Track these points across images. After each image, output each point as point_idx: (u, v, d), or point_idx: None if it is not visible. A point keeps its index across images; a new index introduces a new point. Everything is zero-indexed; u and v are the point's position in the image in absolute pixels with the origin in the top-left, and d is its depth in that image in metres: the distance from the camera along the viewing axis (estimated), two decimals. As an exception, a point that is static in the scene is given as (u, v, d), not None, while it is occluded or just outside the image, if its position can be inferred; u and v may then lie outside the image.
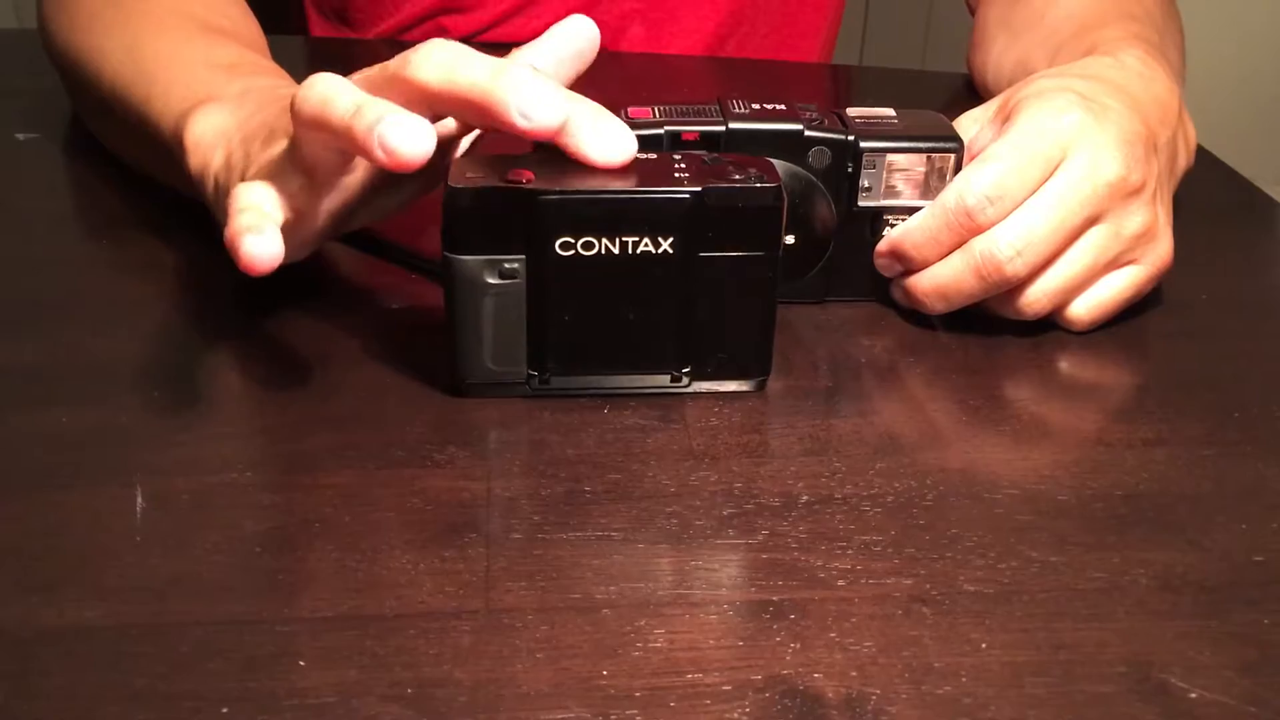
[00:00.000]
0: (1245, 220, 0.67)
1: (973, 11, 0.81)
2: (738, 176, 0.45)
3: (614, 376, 0.47)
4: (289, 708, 0.33)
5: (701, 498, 0.42)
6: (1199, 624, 0.38)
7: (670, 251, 0.44)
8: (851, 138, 0.51)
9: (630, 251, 0.44)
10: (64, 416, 0.45)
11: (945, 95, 0.80)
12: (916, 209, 0.52)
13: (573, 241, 0.44)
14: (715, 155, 0.46)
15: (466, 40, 0.84)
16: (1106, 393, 0.50)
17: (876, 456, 0.45)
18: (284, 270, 0.54)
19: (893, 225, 0.53)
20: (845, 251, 0.53)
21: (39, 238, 0.60)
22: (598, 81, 0.81)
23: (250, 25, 0.66)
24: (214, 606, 0.37)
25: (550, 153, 0.44)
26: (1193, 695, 0.35)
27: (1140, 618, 0.38)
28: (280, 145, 0.46)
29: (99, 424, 0.45)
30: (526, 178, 0.43)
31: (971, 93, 0.78)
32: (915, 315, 0.54)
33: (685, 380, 0.47)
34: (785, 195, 0.45)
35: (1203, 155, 0.73)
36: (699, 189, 0.44)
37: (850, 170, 0.52)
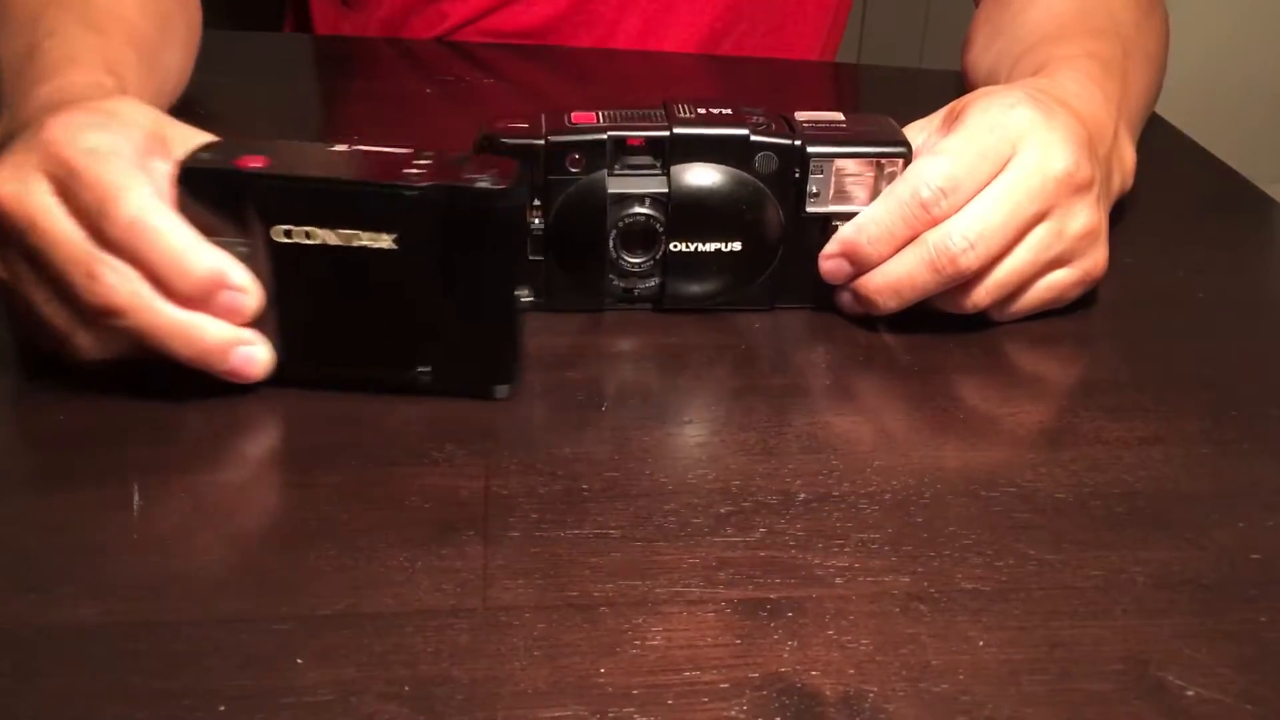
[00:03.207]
0: (1242, 219, 0.67)
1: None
2: (469, 176, 0.43)
3: (351, 369, 0.47)
4: (286, 706, 0.33)
5: (699, 495, 0.42)
6: (1196, 622, 0.38)
7: (394, 248, 0.44)
8: (798, 142, 0.50)
9: (351, 244, 0.44)
10: (61, 415, 0.45)
11: (942, 94, 0.80)
12: None
13: (293, 230, 0.43)
14: (467, 155, 0.45)
15: (467, 25, 0.83)
16: (1104, 391, 0.50)
17: (874, 455, 0.45)
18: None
19: None
20: (794, 258, 0.52)
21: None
22: (597, 79, 0.81)
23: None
24: (211, 605, 0.37)
25: (294, 143, 0.45)
26: (1190, 693, 0.35)
27: (1137, 616, 0.38)
28: None
29: (96, 422, 0.45)
30: (257, 163, 0.43)
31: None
32: (861, 321, 0.53)
33: (426, 379, 0.46)
34: (525, 202, 0.44)
35: (1200, 153, 0.73)
36: (421, 186, 0.43)
37: (797, 175, 0.51)
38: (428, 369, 0.46)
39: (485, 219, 0.44)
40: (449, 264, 0.44)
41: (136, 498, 0.41)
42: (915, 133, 0.53)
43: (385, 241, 0.43)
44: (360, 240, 0.43)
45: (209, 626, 0.36)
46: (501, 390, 0.47)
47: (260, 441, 0.44)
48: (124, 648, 0.35)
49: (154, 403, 0.46)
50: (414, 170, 0.44)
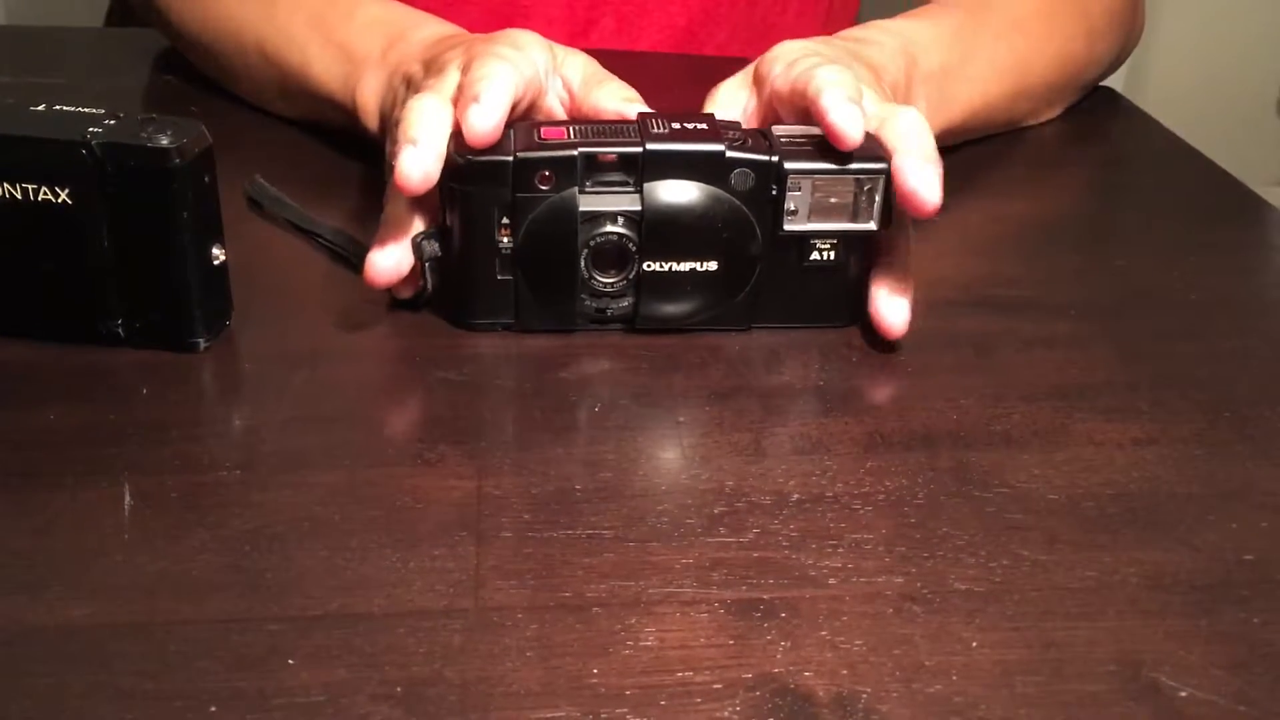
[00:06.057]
0: (1237, 221, 0.67)
1: None
2: (146, 135, 0.44)
3: (43, 321, 0.48)
4: (278, 707, 0.33)
5: (692, 496, 0.42)
6: (1189, 623, 0.38)
7: (70, 202, 0.45)
8: (775, 159, 0.49)
9: (33, 198, 0.45)
10: (52, 414, 0.45)
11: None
12: (845, 233, 0.50)
13: None
14: (156, 116, 0.45)
15: None
16: (1097, 392, 0.50)
17: (867, 455, 0.45)
18: (274, 267, 0.54)
19: (821, 250, 0.50)
20: (772, 276, 0.51)
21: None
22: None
23: None
24: (202, 605, 0.37)
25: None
26: (1183, 694, 0.35)
27: (1130, 617, 0.38)
28: (438, 78, 0.51)
29: (88, 422, 0.44)
30: None
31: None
32: (851, 323, 0.53)
33: (118, 333, 0.48)
34: (202, 161, 0.45)
35: (1195, 157, 0.73)
36: (94, 142, 0.44)
37: (775, 192, 0.49)
38: (118, 322, 0.47)
39: (157, 177, 0.45)
40: (123, 220, 0.45)
41: (127, 497, 0.41)
42: (729, 92, 0.55)
43: (61, 196, 0.44)
44: (42, 194, 0.44)
45: (200, 627, 0.36)
46: (199, 344, 0.48)
47: (252, 441, 0.44)
48: (114, 648, 0.35)
49: (145, 401, 0.46)
50: (98, 128, 0.44)
